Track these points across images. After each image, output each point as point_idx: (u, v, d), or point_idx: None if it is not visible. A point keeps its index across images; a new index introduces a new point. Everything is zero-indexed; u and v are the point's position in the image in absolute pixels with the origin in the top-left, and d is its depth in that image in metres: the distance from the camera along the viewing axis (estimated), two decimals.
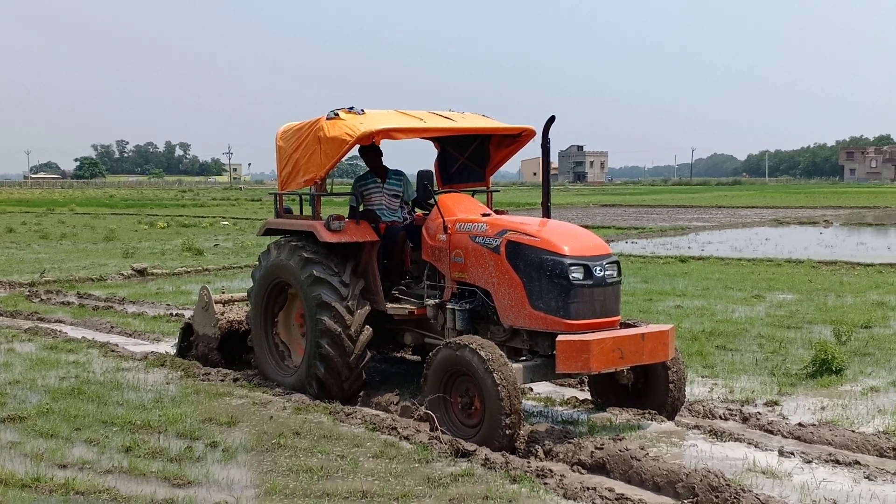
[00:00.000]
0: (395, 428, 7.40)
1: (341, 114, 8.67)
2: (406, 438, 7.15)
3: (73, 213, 49.26)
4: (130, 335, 12.24)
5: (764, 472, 6.46)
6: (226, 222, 39.62)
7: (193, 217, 43.85)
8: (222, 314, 10.11)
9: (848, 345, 10.82)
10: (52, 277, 18.40)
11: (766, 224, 38.00)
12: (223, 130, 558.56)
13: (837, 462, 6.68)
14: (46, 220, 40.95)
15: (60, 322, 13.22)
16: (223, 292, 11.66)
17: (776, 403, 8.48)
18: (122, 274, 19.15)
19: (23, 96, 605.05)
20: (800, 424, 7.64)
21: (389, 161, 9.51)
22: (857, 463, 6.65)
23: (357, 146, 8.98)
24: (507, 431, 6.83)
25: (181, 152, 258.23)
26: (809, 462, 6.70)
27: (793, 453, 6.86)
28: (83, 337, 11.78)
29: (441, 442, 6.93)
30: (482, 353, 6.94)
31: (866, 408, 8.32)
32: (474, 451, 6.70)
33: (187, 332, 10.52)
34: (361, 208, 9.32)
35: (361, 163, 9.67)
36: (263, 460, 6.75)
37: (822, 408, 8.35)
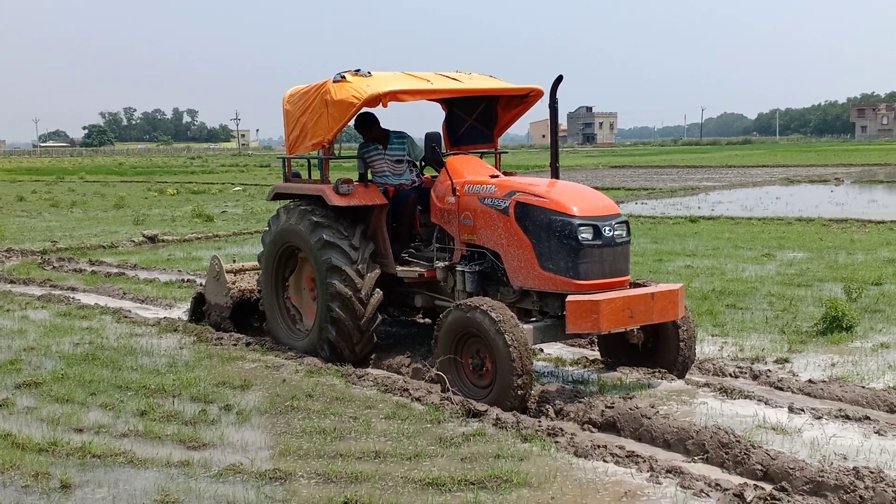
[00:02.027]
0: (407, 389, 7.46)
1: (348, 76, 8.64)
2: (418, 399, 7.20)
3: (82, 182, 49.30)
4: (143, 301, 12.31)
5: (774, 429, 6.49)
6: (237, 187, 39.63)
7: (203, 184, 43.84)
8: (234, 283, 10.14)
9: (858, 302, 10.82)
10: (64, 245, 18.48)
11: (777, 183, 37.81)
12: (230, 97, 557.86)
13: (847, 418, 6.70)
14: (56, 189, 41.01)
15: (73, 289, 13.30)
16: (234, 259, 11.70)
17: (786, 361, 8.51)
18: (134, 241, 19.21)
19: (29, 65, 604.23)
20: (810, 381, 7.66)
21: (398, 124, 9.47)
22: (867, 418, 6.67)
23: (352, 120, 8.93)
24: (519, 392, 6.87)
25: (189, 119, 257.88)
26: (819, 418, 6.73)
27: (803, 409, 6.89)
28: (96, 303, 11.86)
29: (452, 402, 6.98)
30: (493, 315, 6.96)
31: (876, 364, 8.34)
32: (485, 411, 6.76)
33: (199, 301, 10.56)
34: (370, 176, 9.31)
35: None
36: (277, 422, 6.82)
37: (833, 364, 8.37)
